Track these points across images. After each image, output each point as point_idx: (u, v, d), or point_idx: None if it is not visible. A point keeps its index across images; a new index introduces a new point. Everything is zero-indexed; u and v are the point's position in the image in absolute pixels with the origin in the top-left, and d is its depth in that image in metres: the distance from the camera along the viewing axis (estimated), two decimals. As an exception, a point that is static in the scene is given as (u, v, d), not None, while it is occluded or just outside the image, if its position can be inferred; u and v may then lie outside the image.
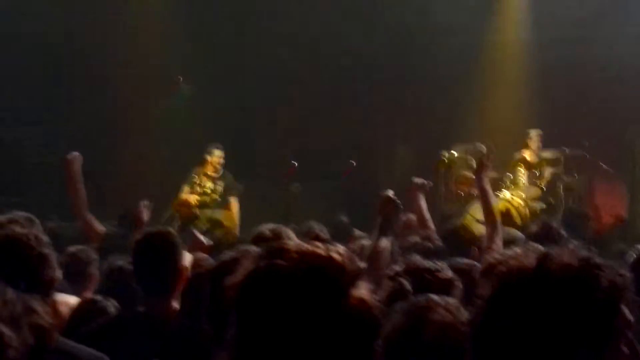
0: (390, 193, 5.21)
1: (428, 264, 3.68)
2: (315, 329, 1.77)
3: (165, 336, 4.04)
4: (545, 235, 5.83)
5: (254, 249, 3.37)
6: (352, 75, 15.02)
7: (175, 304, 4.29)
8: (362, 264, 1.90)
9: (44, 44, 14.05)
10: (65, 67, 14.24)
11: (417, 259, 3.78)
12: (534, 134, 13.22)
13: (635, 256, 4.45)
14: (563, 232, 6.33)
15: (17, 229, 3.29)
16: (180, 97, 14.95)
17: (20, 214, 4.01)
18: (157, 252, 4.28)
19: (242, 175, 12.70)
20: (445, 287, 3.52)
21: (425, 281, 3.48)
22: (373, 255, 4.92)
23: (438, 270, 3.61)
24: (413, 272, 3.58)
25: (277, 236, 4.57)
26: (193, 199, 12.05)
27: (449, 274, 3.63)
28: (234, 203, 12.20)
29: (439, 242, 6.37)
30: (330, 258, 1.84)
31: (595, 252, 1.91)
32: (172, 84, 14.83)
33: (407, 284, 3.42)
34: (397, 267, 3.75)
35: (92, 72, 14.20)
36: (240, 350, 1.82)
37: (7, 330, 1.65)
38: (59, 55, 14.24)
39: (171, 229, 4.70)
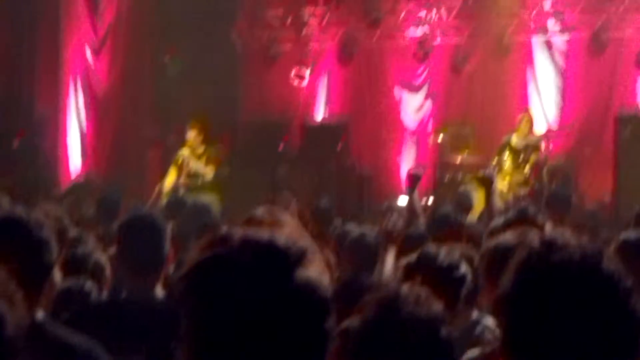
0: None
1: (442, 259, 3.63)
2: (262, 315, 1.76)
3: (147, 321, 4.01)
4: (520, 221, 5.74)
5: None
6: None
7: (159, 289, 4.25)
8: (307, 245, 1.87)
9: None
10: None
11: (433, 250, 3.71)
12: (525, 118, 13.05)
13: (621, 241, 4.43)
14: (540, 217, 6.25)
15: (17, 211, 3.26)
16: (172, 69, 14.88)
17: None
18: (142, 236, 4.23)
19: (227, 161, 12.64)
20: (457, 285, 3.53)
21: (437, 279, 3.43)
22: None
23: (453, 269, 3.57)
24: (426, 267, 3.56)
25: (271, 217, 4.45)
26: (183, 182, 11.85)
27: (462, 270, 3.60)
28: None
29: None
30: (272, 242, 1.82)
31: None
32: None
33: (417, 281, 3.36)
34: (412, 258, 3.73)
35: None
36: (191, 342, 1.81)
37: (2, 305, 1.61)
38: None
39: (156, 212, 4.65)
